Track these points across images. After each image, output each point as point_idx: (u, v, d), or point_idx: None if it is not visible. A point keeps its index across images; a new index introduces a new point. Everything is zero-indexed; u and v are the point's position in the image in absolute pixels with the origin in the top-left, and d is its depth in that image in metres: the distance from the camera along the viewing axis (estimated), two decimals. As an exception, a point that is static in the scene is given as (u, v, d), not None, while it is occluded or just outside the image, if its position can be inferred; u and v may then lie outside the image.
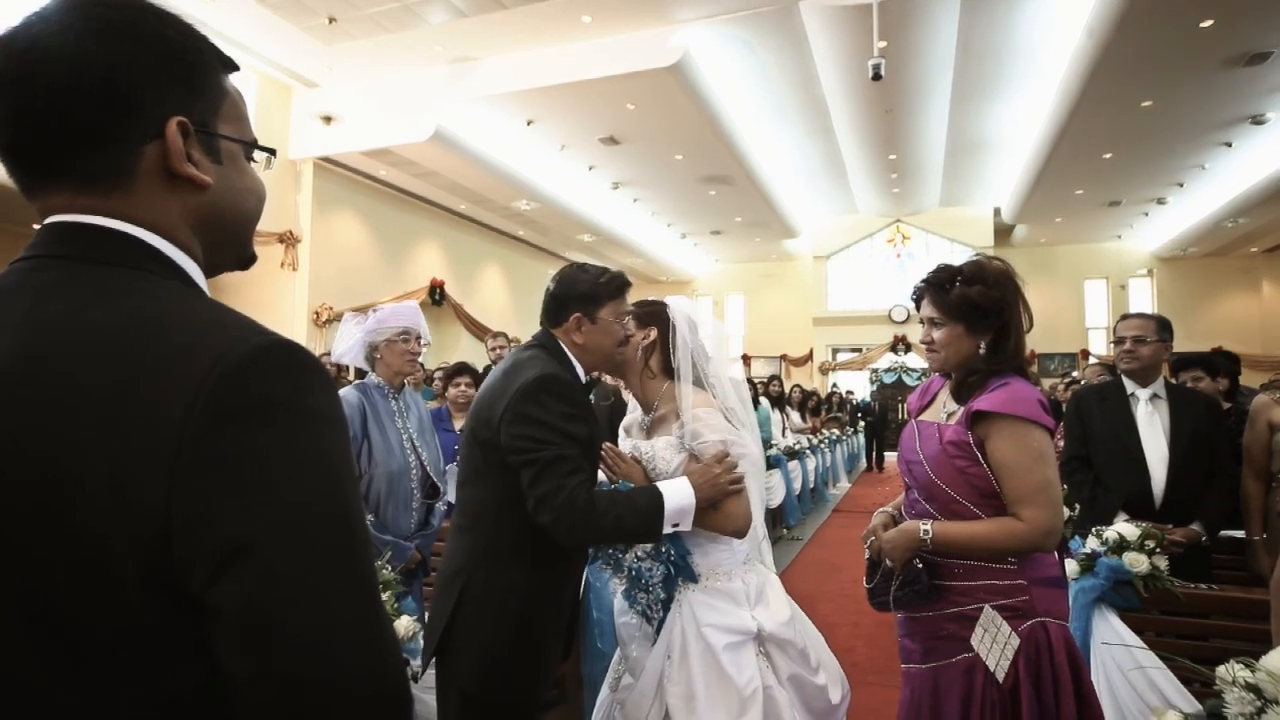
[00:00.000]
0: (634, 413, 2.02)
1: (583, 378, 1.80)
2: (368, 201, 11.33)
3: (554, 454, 1.55)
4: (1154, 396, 2.89)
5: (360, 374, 2.94)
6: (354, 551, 0.59)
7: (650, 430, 1.90)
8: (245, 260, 0.77)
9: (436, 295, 12.26)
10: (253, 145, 0.74)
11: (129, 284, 0.62)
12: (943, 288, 1.76)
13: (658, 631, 1.78)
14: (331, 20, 8.59)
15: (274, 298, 9.74)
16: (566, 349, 1.79)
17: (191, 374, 0.55)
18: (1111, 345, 3.10)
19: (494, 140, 10.43)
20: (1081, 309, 17.35)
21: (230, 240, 0.73)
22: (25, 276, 0.62)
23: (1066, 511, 3.27)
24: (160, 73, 0.64)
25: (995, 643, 1.59)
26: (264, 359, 0.58)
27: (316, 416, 0.60)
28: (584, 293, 1.77)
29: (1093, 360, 12.87)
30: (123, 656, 0.56)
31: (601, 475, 1.82)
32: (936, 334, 1.77)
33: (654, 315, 1.92)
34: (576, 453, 1.59)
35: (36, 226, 0.67)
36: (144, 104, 0.63)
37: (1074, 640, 1.66)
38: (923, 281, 1.82)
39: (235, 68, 0.74)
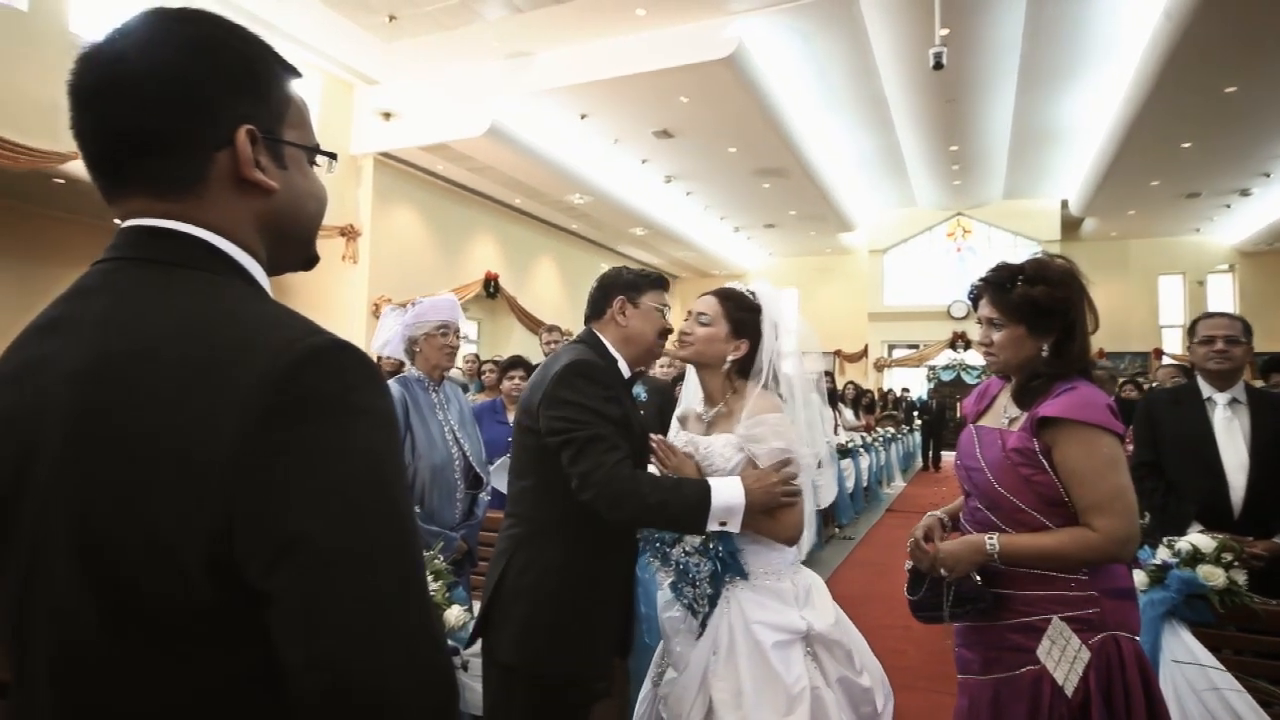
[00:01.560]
0: (693, 404, 2.01)
1: (626, 371, 1.83)
2: (425, 196, 11.56)
3: (591, 433, 1.60)
4: (1233, 401, 2.73)
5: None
6: (402, 546, 0.61)
7: (711, 426, 1.88)
8: (308, 261, 0.80)
9: (491, 288, 12.44)
10: (316, 150, 0.77)
11: (197, 286, 0.65)
12: (1003, 287, 1.69)
13: (702, 626, 1.77)
14: (391, 18, 8.77)
15: (335, 290, 10.03)
16: (609, 342, 1.84)
17: (249, 373, 0.58)
18: (1192, 345, 2.92)
19: (548, 134, 10.51)
20: (1155, 306, 16.56)
21: (293, 242, 0.76)
22: (104, 278, 0.67)
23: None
24: (230, 83, 0.68)
25: (1064, 656, 1.52)
26: (319, 358, 0.60)
27: (369, 414, 0.62)
28: (627, 280, 1.88)
29: (1167, 360, 12.29)
30: (190, 636, 0.59)
31: (652, 466, 1.83)
32: (996, 335, 1.70)
33: (748, 326, 1.88)
34: (612, 431, 1.62)
35: (117, 221, 0.70)
36: (216, 113, 0.67)
37: (1146, 656, 1.59)
38: (981, 280, 1.75)
39: (298, 75, 0.77)
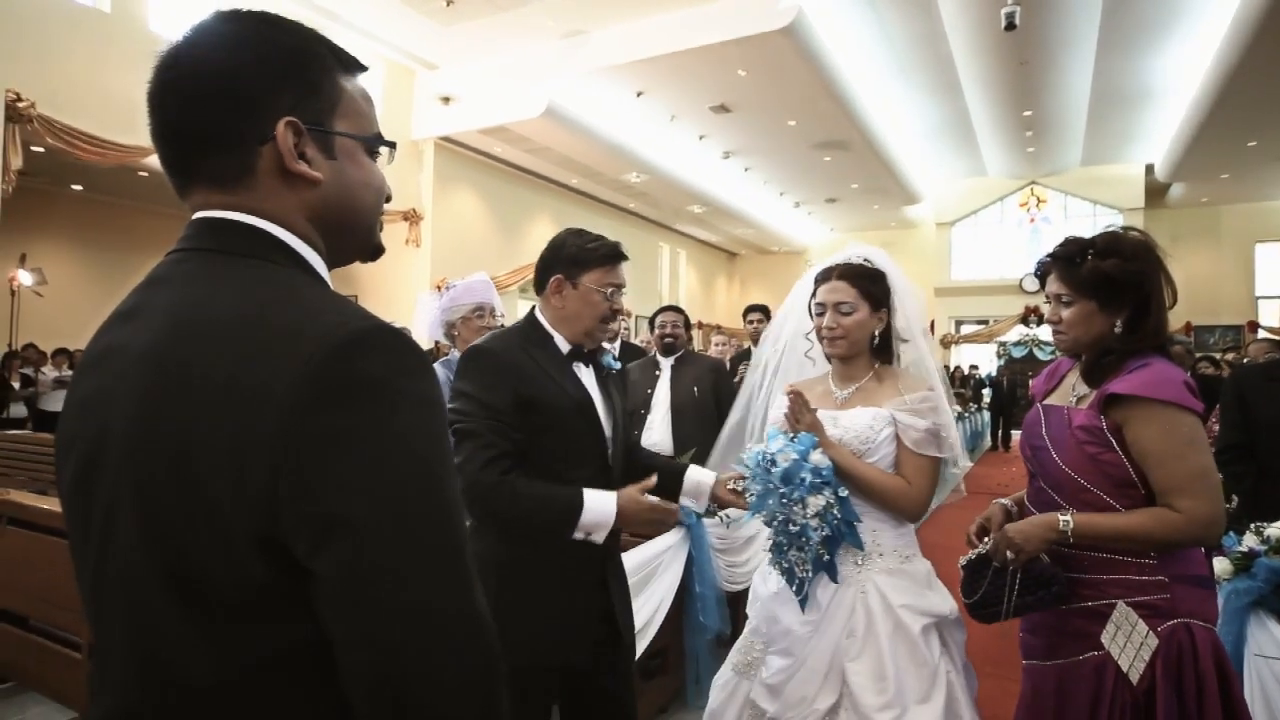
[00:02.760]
0: (808, 384, 1.92)
1: (564, 347, 1.73)
2: (484, 178, 11.72)
3: (468, 427, 1.57)
4: (1336, 376, 2.53)
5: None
6: (447, 526, 0.62)
7: (846, 403, 1.84)
8: (372, 251, 0.82)
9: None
10: (370, 140, 0.77)
11: (255, 273, 0.68)
12: (1072, 261, 1.59)
13: (799, 594, 1.72)
14: (449, 2, 8.86)
15: (399, 274, 10.31)
16: (545, 319, 1.75)
17: (297, 356, 0.59)
18: None
19: (604, 114, 10.49)
20: (1250, 276, 15.51)
21: (348, 231, 0.78)
22: (172, 268, 0.71)
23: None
24: (273, 77, 0.70)
25: (1130, 642, 1.45)
26: (364, 341, 0.62)
27: (414, 397, 0.63)
28: (569, 256, 1.72)
29: (1261, 334, 11.54)
30: (242, 610, 0.62)
31: (777, 409, 1.84)
32: (1065, 313, 1.61)
33: (881, 295, 1.85)
34: (489, 426, 1.56)
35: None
36: (258, 108, 0.69)
37: (1224, 648, 1.50)
38: (1048, 256, 1.66)
39: (360, 67, 0.79)
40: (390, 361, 0.62)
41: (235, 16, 0.71)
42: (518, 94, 9.64)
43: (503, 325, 2.93)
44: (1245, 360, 4.80)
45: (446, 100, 10.26)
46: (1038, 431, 1.67)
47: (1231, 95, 9.40)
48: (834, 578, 1.71)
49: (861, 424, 1.76)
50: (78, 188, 9.37)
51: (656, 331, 4.06)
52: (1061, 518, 1.51)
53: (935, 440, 1.75)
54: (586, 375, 1.79)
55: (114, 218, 9.76)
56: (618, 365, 1.89)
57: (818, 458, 1.68)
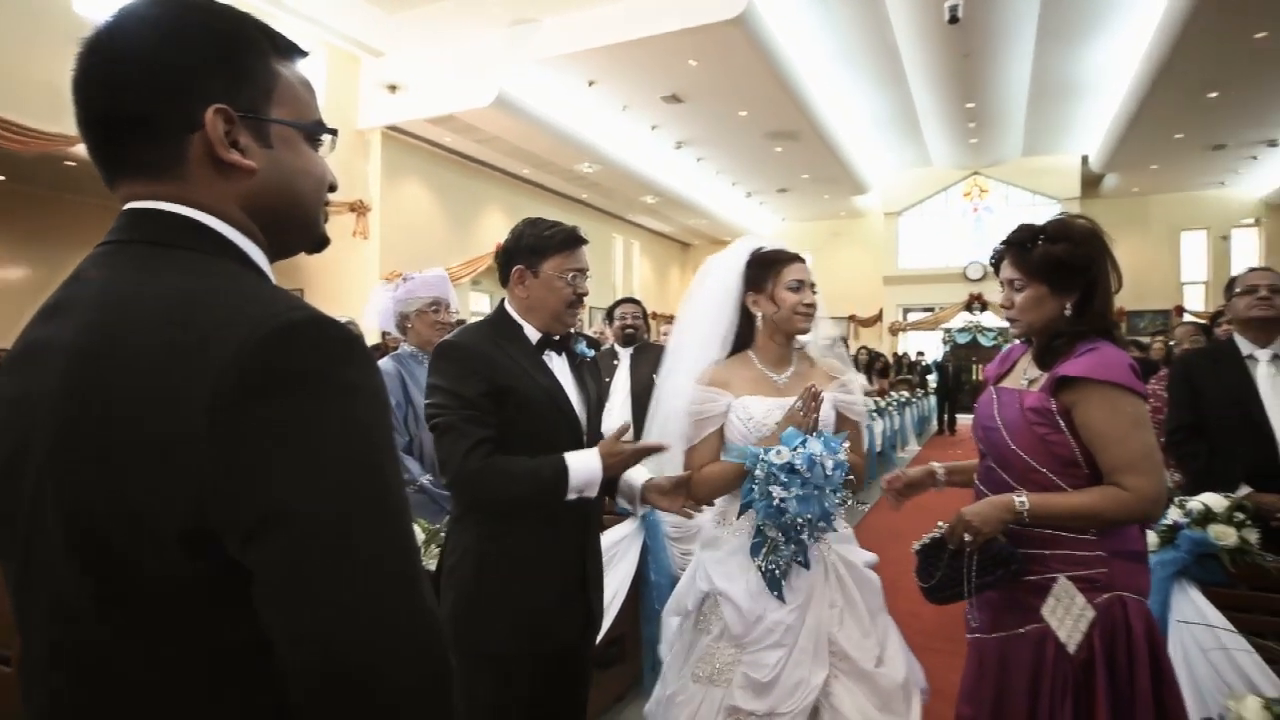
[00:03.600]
0: (729, 365, 1.91)
1: (533, 336, 1.75)
2: (434, 169, 11.51)
3: (446, 420, 1.60)
4: (1275, 358, 2.67)
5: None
6: (387, 518, 0.61)
7: (786, 390, 1.87)
8: (316, 242, 0.80)
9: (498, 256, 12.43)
10: (308, 127, 0.76)
11: (186, 265, 0.66)
12: (1024, 247, 1.66)
13: (776, 589, 1.74)
14: (394, -13, 8.66)
15: (347, 267, 10.07)
16: (514, 311, 1.78)
17: (226, 347, 0.58)
18: (1230, 300, 2.86)
19: (556, 103, 10.39)
20: (1177, 263, 16.24)
21: (288, 222, 0.76)
22: (100, 261, 0.69)
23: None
24: (202, 63, 0.68)
25: (1069, 614, 1.52)
26: (295, 332, 0.60)
27: (348, 387, 0.62)
28: (527, 245, 1.75)
29: (1188, 318, 12.10)
30: (173, 612, 0.60)
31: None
32: (1018, 297, 1.68)
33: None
34: (467, 416, 1.59)
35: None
36: (186, 95, 0.67)
37: (1154, 619, 1.58)
38: (1003, 243, 1.73)
39: (299, 53, 0.77)
40: (323, 351, 0.61)
41: (167, 1, 0.69)
42: (467, 83, 9.48)
43: (458, 320, 2.90)
44: (1172, 343, 5.03)
45: (393, 89, 10.03)
46: (990, 413, 1.73)
47: (1159, 90, 9.80)
48: (807, 565, 1.76)
49: (825, 410, 1.82)
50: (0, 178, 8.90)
51: (617, 323, 4.09)
52: (1017, 499, 1.55)
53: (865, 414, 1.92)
54: (559, 363, 1.81)
55: (40, 209, 9.30)
56: (590, 353, 1.90)
57: (844, 455, 1.74)
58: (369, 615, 0.57)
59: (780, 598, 1.74)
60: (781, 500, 1.67)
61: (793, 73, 9.90)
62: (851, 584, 1.82)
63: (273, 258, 0.76)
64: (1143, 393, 1.54)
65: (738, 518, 1.83)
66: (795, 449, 1.68)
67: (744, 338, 1.94)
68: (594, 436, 1.82)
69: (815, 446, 1.70)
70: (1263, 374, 2.65)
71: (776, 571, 1.73)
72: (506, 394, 1.64)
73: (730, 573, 1.80)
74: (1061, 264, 1.61)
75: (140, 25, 0.67)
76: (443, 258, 11.08)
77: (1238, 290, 2.75)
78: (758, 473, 1.71)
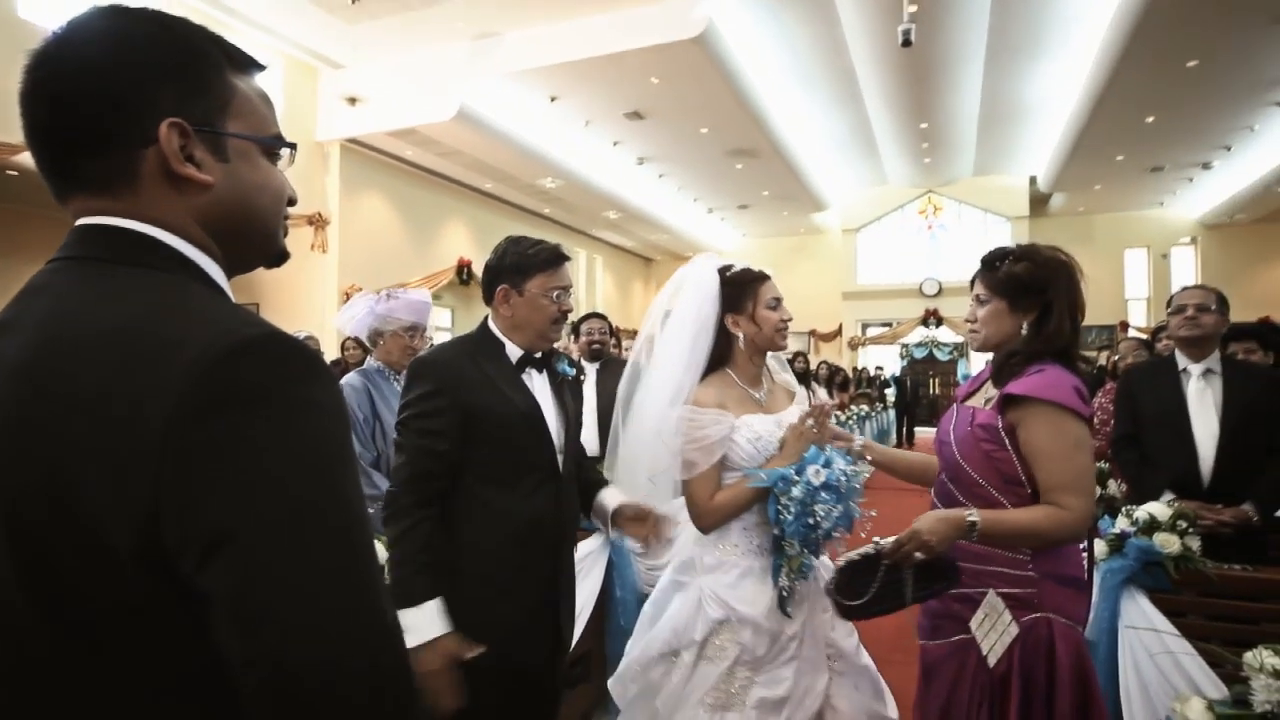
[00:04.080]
0: (710, 383, 1.87)
1: (514, 354, 1.76)
2: (394, 182, 11.39)
3: (403, 442, 1.67)
4: (1207, 372, 2.78)
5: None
6: (347, 536, 0.60)
7: (767, 405, 1.89)
8: (275, 257, 0.79)
9: (464, 274, 12.33)
10: (266, 141, 0.75)
11: (139, 282, 0.65)
12: (993, 265, 1.75)
13: (785, 606, 1.74)
14: (354, 0, 8.58)
15: (305, 280, 9.88)
16: (499, 329, 1.78)
17: (178, 365, 0.57)
18: (1166, 316, 2.99)
19: (518, 118, 10.39)
20: (1120, 279, 16.85)
21: (246, 236, 0.75)
22: (50, 277, 0.67)
23: (1102, 492, 3.21)
24: (155, 76, 0.67)
25: (994, 628, 1.57)
26: (250, 349, 0.59)
27: (304, 404, 0.61)
28: (511, 265, 1.75)
29: (1132, 333, 12.54)
30: (131, 638, 0.59)
31: (779, 417, 1.84)
32: (980, 310, 1.76)
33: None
34: (424, 446, 1.62)
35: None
36: (137, 108, 0.66)
37: (1086, 649, 1.61)
38: (980, 261, 1.81)
39: (256, 66, 0.76)
40: (278, 368, 0.60)
41: (114, 12, 0.68)
42: (428, 96, 9.42)
43: (430, 344, 2.89)
44: (1116, 357, 5.22)
45: (353, 101, 9.91)
46: (946, 428, 1.79)
47: (1100, 113, 10.21)
48: (807, 577, 1.78)
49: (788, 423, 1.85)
50: (-65, 187, 8.54)
51: (583, 339, 4.09)
52: (968, 516, 1.56)
53: None
54: (540, 382, 1.81)
55: (-22, 220, 8.94)
56: (571, 372, 1.89)
57: (858, 464, 1.80)
58: (324, 636, 0.56)
59: (788, 614, 1.75)
60: (821, 517, 1.67)
61: (752, 92, 10.07)
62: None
63: (230, 273, 0.74)
64: (1085, 415, 1.59)
65: (755, 546, 1.79)
66: (826, 466, 1.70)
67: (719, 357, 1.90)
68: (570, 454, 1.82)
69: (839, 460, 1.73)
70: (1193, 388, 2.77)
71: (788, 591, 1.74)
72: (476, 414, 1.65)
73: (747, 596, 1.76)
74: (1020, 282, 1.69)
75: (92, 37, 0.66)
76: (403, 272, 10.95)
77: (1171, 309, 2.88)
78: (795, 492, 1.68)
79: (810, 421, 1.78)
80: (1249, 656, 1.17)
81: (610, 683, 1.97)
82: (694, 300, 1.89)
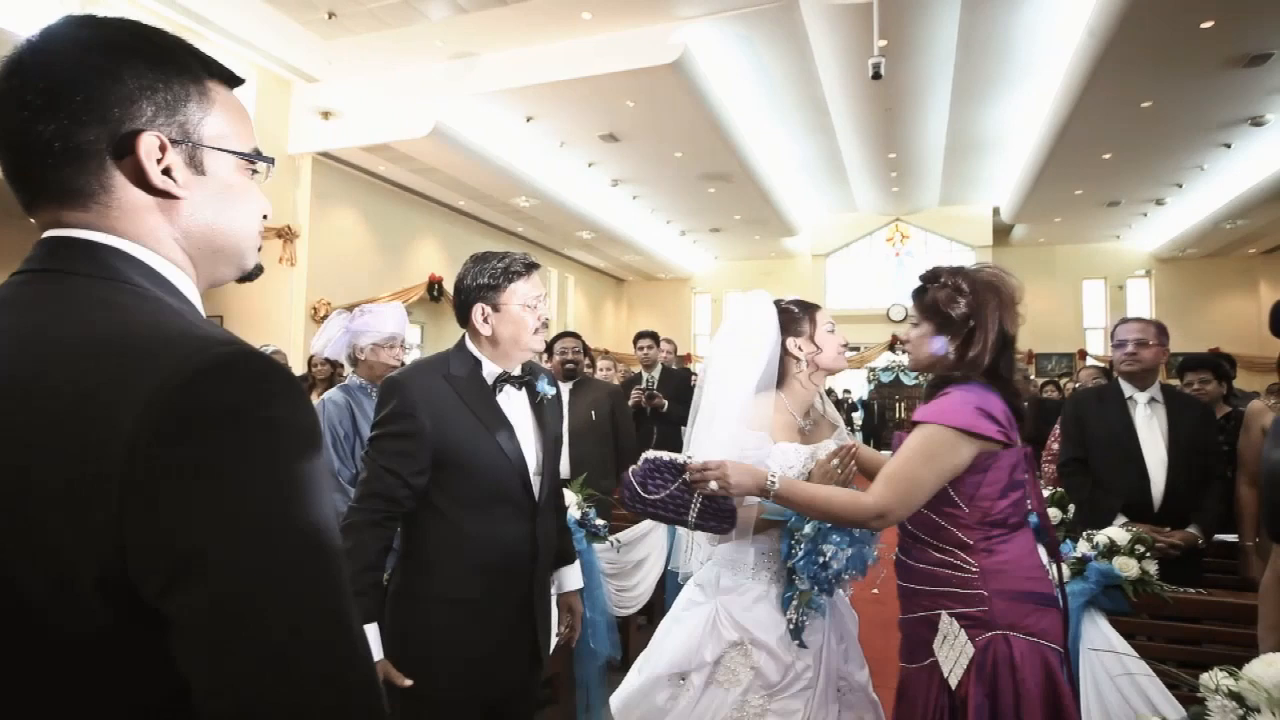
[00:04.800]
0: (773, 404, 1.90)
1: (491, 373, 1.73)
2: (366, 197, 11.31)
3: (366, 462, 1.65)
4: (1151, 400, 2.90)
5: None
6: (320, 563, 0.58)
7: (810, 435, 1.92)
8: (248, 272, 0.78)
9: (435, 291, 12.25)
10: (245, 156, 0.74)
11: (105, 296, 0.63)
12: (924, 288, 1.78)
13: (796, 637, 1.76)
14: (331, 15, 8.56)
15: (273, 294, 9.73)
16: (477, 349, 1.74)
17: (150, 381, 0.55)
18: (1110, 347, 3.11)
19: (493, 136, 10.41)
20: (1080, 309, 17.35)
21: (222, 252, 0.74)
22: (15, 290, 0.65)
23: (1059, 514, 3.28)
24: (132, 88, 0.66)
25: (952, 650, 1.59)
26: (223, 368, 0.58)
27: (278, 426, 0.59)
28: (483, 283, 1.72)
29: (1090, 362, 12.88)
30: (92, 665, 0.57)
31: (799, 447, 1.84)
32: (912, 332, 1.80)
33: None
34: (384, 470, 1.60)
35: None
36: (115, 119, 0.65)
37: (1057, 664, 1.60)
38: (918, 280, 1.85)
39: (234, 80, 0.75)
40: (250, 388, 0.58)
41: (91, 21, 0.67)
42: (404, 112, 9.40)
43: (417, 353, 2.87)
44: (1077, 385, 5.37)
45: (327, 115, 9.85)
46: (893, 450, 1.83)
47: (1060, 149, 10.56)
48: (822, 613, 1.80)
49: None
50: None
51: (556, 358, 4.09)
52: (770, 477, 1.62)
53: None
54: (519, 401, 1.76)
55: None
56: (551, 391, 1.85)
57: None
58: (291, 666, 0.55)
59: (802, 644, 1.75)
60: (831, 557, 1.69)
61: (726, 118, 10.22)
62: (848, 618, 1.91)
63: (202, 287, 0.73)
64: (973, 430, 1.58)
65: (772, 574, 1.81)
66: None
67: (772, 379, 1.92)
68: (550, 476, 1.79)
69: None
70: (1140, 415, 2.88)
71: (804, 623, 1.75)
72: (445, 437, 1.61)
73: (761, 619, 1.77)
74: (944, 308, 1.71)
75: (68, 46, 0.65)
76: (373, 287, 10.84)
77: (1114, 341, 3.00)
78: (806, 530, 1.71)
79: (835, 462, 1.79)
80: (1205, 678, 1.21)
81: (612, 700, 1.94)
82: (755, 327, 1.93)
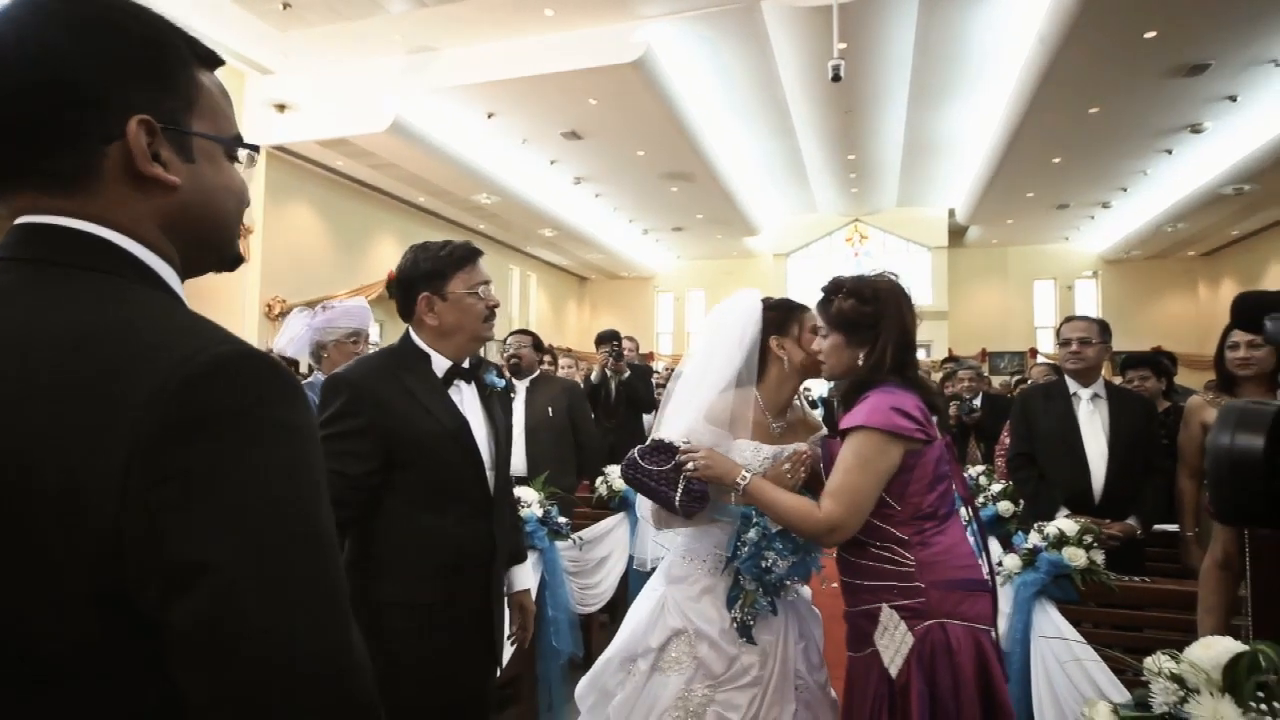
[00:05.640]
0: (743, 399, 1.90)
1: (441, 366, 1.68)
2: (323, 192, 11.08)
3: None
4: (1095, 396, 3.00)
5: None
6: (321, 569, 0.57)
7: (782, 436, 1.92)
8: (229, 261, 0.75)
9: (394, 288, 12.06)
10: (230, 142, 0.72)
11: (90, 288, 0.60)
12: (829, 300, 1.84)
13: (744, 635, 1.78)
14: (286, 6, 8.36)
15: (225, 291, 9.47)
16: (424, 342, 1.69)
17: (147, 382, 0.53)
18: (1057, 346, 3.21)
19: (454, 132, 10.29)
20: (1031, 309, 17.85)
21: (207, 241, 0.71)
22: None
23: (1011, 507, 3.38)
24: (123, 69, 0.63)
25: (892, 640, 1.65)
26: (226, 368, 0.56)
27: (281, 427, 0.57)
28: (427, 270, 1.67)
29: (1041, 359, 13.26)
30: (81, 674, 0.54)
31: (754, 452, 1.85)
32: (823, 344, 1.85)
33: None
34: (329, 470, 1.57)
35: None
36: (105, 101, 0.62)
37: (989, 645, 1.67)
38: (820, 292, 1.90)
39: (218, 62, 0.73)
40: (253, 390, 0.56)
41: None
42: (362, 106, 9.24)
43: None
44: (1029, 381, 5.53)
45: (282, 108, 9.62)
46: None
47: (1012, 153, 10.86)
48: (775, 611, 1.81)
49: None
50: None
51: (504, 354, 4.09)
52: (743, 475, 1.71)
53: None
54: (469, 395, 1.72)
55: None
56: (501, 383, 1.82)
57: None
58: (299, 675, 0.53)
59: (751, 641, 1.77)
60: (772, 564, 1.72)
61: (689, 118, 10.27)
62: (801, 619, 1.91)
63: (183, 277, 0.70)
64: (895, 431, 1.64)
65: (722, 572, 1.83)
66: None
67: (750, 375, 1.94)
68: (501, 470, 1.76)
69: None
70: (1083, 411, 2.99)
71: (750, 622, 1.77)
72: (394, 435, 1.56)
73: (705, 612, 1.80)
74: (850, 319, 1.78)
75: (50, 22, 0.61)
76: (330, 284, 10.63)
77: (1059, 340, 3.11)
78: (750, 535, 1.75)
79: (787, 466, 1.82)
80: (1149, 662, 1.25)
81: (576, 690, 1.99)
82: (735, 324, 1.96)
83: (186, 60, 0.68)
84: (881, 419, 1.64)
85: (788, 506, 1.67)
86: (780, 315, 1.97)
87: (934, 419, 1.74)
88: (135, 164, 0.63)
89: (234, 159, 0.73)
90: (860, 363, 1.77)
